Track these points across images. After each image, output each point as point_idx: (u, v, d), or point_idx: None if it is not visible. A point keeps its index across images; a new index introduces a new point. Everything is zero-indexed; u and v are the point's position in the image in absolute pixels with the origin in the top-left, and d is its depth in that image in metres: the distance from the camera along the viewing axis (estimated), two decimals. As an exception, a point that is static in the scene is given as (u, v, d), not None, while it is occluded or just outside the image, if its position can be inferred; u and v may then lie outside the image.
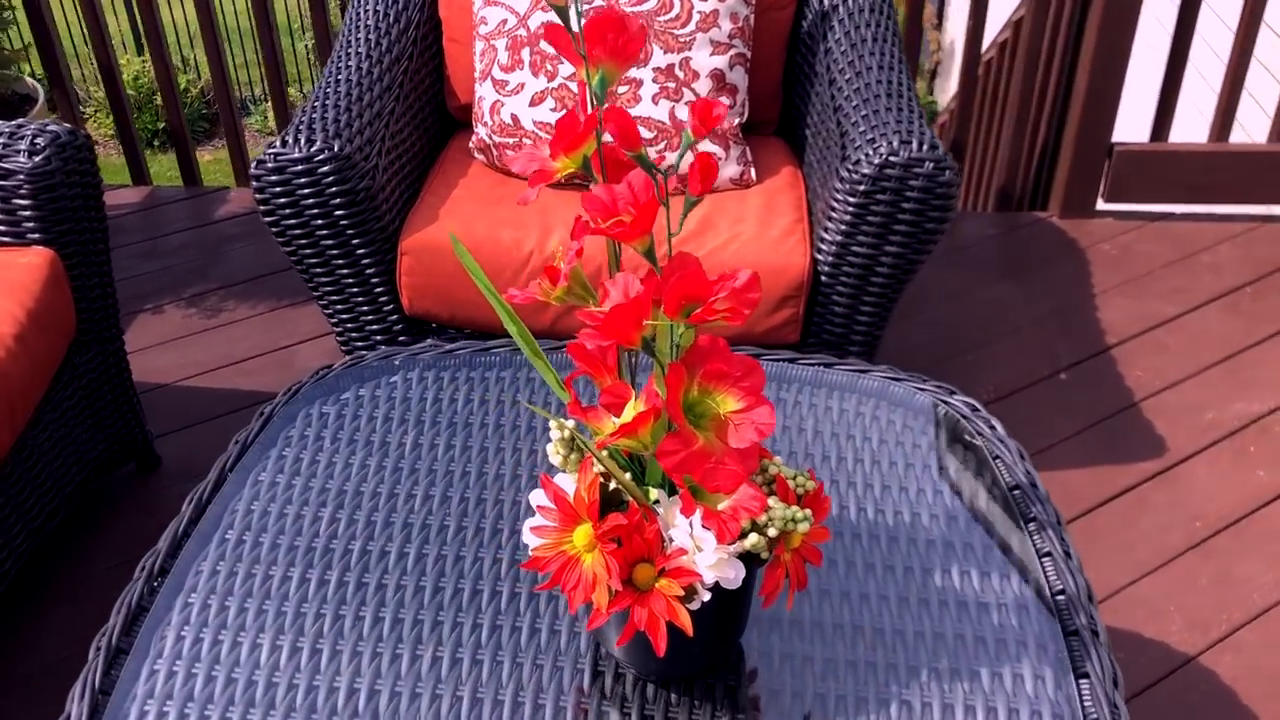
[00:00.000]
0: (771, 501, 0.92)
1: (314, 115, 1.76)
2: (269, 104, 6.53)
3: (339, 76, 1.87)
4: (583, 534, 0.91)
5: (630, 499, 0.91)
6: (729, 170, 1.90)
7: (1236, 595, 1.82)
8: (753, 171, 1.93)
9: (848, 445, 1.28)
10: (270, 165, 1.69)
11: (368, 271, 1.78)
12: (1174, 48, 2.56)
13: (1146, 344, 2.35)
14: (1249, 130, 3.27)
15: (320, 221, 1.72)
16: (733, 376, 0.85)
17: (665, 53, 1.86)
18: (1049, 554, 1.14)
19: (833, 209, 1.73)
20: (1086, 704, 1.00)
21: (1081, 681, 1.02)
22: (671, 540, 0.91)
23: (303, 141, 1.69)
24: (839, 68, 1.90)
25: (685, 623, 0.89)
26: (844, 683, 1.02)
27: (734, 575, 0.91)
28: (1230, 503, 1.98)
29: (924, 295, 2.48)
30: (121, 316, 2.41)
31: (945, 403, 1.33)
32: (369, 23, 1.99)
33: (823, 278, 1.77)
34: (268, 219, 1.73)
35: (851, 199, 1.68)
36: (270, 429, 1.30)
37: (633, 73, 1.86)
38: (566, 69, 1.86)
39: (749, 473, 0.89)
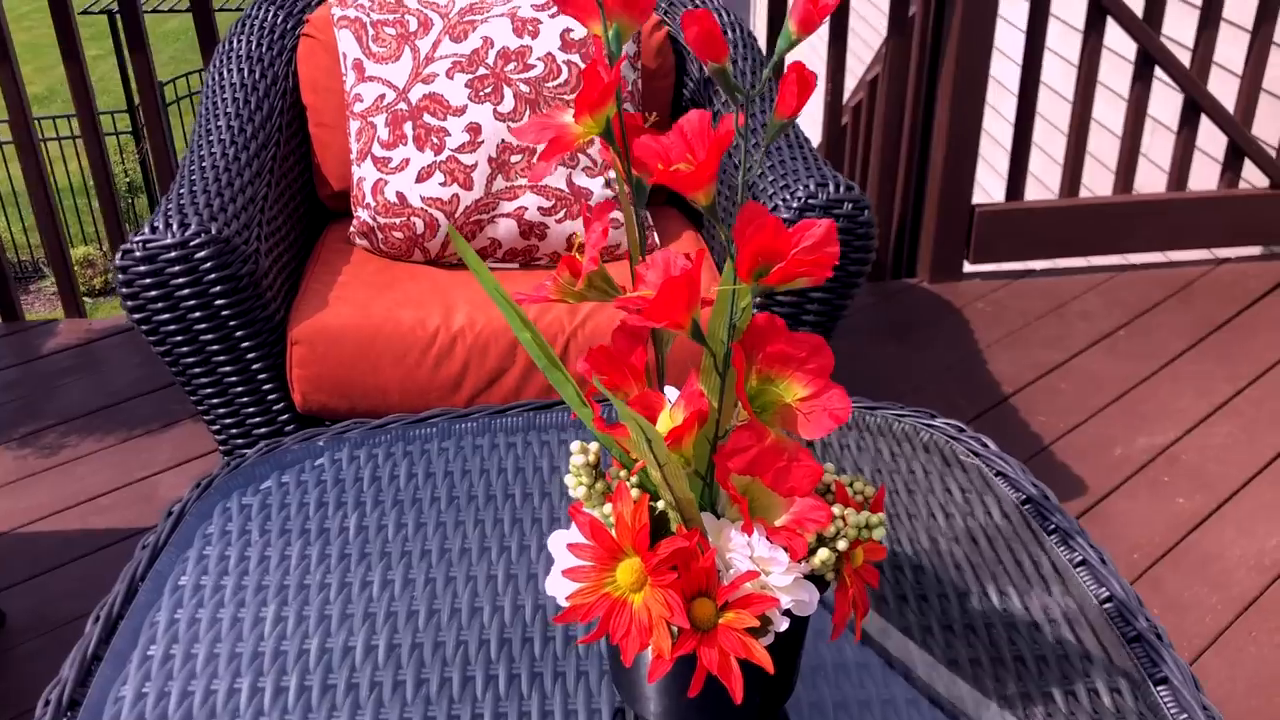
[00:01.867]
0: (837, 509, 0.80)
1: (183, 200, 1.59)
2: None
3: (204, 163, 1.71)
4: (627, 570, 0.76)
5: (677, 525, 0.78)
6: (632, 235, 1.82)
7: (1191, 622, 1.78)
8: (655, 237, 1.86)
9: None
10: (139, 254, 1.51)
11: (254, 367, 1.60)
12: (1019, 113, 2.66)
13: (1041, 391, 2.36)
14: (1093, 188, 3.44)
15: (199, 314, 1.54)
16: (797, 359, 0.74)
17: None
18: (1083, 562, 1.05)
19: (753, 260, 1.65)
20: (1173, 710, 0.91)
21: (1160, 688, 0.93)
22: (730, 568, 0.78)
23: (175, 226, 1.52)
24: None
25: (764, 659, 0.75)
26: (912, 724, 0.90)
27: (809, 599, 0.78)
28: (1159, 532, 1.97)
29: (818, 364, 2.44)
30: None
31: (929, 426, 1.25)
32: (229, 110, 1.84)
33: (749, 332, 1.68)
34: (136, 316, 1.54)
35: (774, 246, 1.62)
36: (183, 529, 1.10)
37: (450, 225, 1.77)
38: (454, 141, 1.75)
39: (809, 489, 0.78)
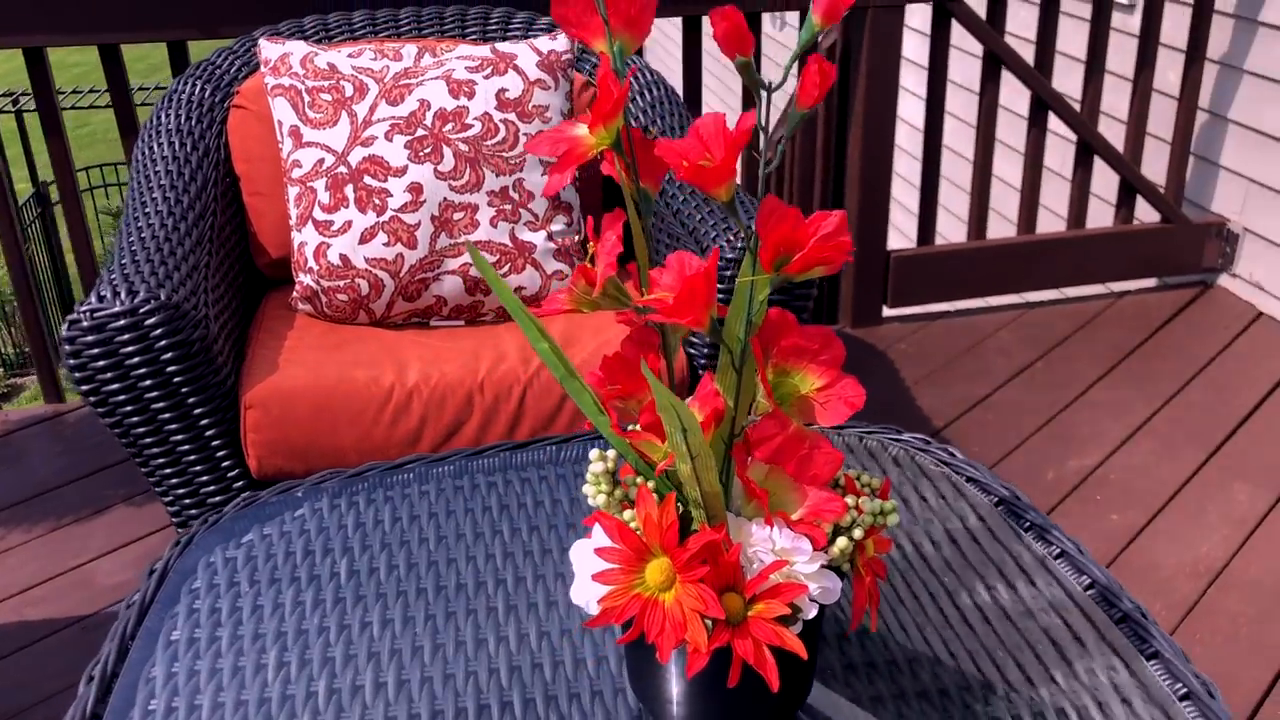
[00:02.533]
0: (850, 500, 0.83)
1: (127, 269, 1.57)
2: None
3: (142, 234, 1.69)
4: (656, 570, 0.78)
5: (700, 524, 0.80)
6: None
7: (1138, 628, 1.84)
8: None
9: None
10: (87, 324, 1.48)
11: (208, 434, 1.57)
12: (925, 160, 2.78)
13: (969, 424, 2.44)
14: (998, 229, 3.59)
15: (150, 382, 1.51)
16: (811, 351, 0.77)
17: (497, 176, 1.80)
18: (1062, 553, 1.10)
19: (700, 301, 1.69)
20: (1166, 681, 0.95)
21: (1152, 662, 0.97)
22: (752, 564, 0.80)
23: (123, 294, 1.50)
24: (697, 218, 1.91)
25: (796, 645, 0.77)
26: (927, 715, 0.92)
27: (832, 586, 0.80)
28: (1098, 548, 2.04)
29: (755, 411, 2.48)
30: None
31: (896, 441, 1.29)
32: (163, 182, 1.83)
33: (700, 363, 1.72)
34: (85, 387, 1.50)
35: (719, 285, 1.66)
36: (167, 586, 1.08)
37: (466, 198, 1.79)
38: (396, 201, 1.76)
39: (825, 481, 0.81)
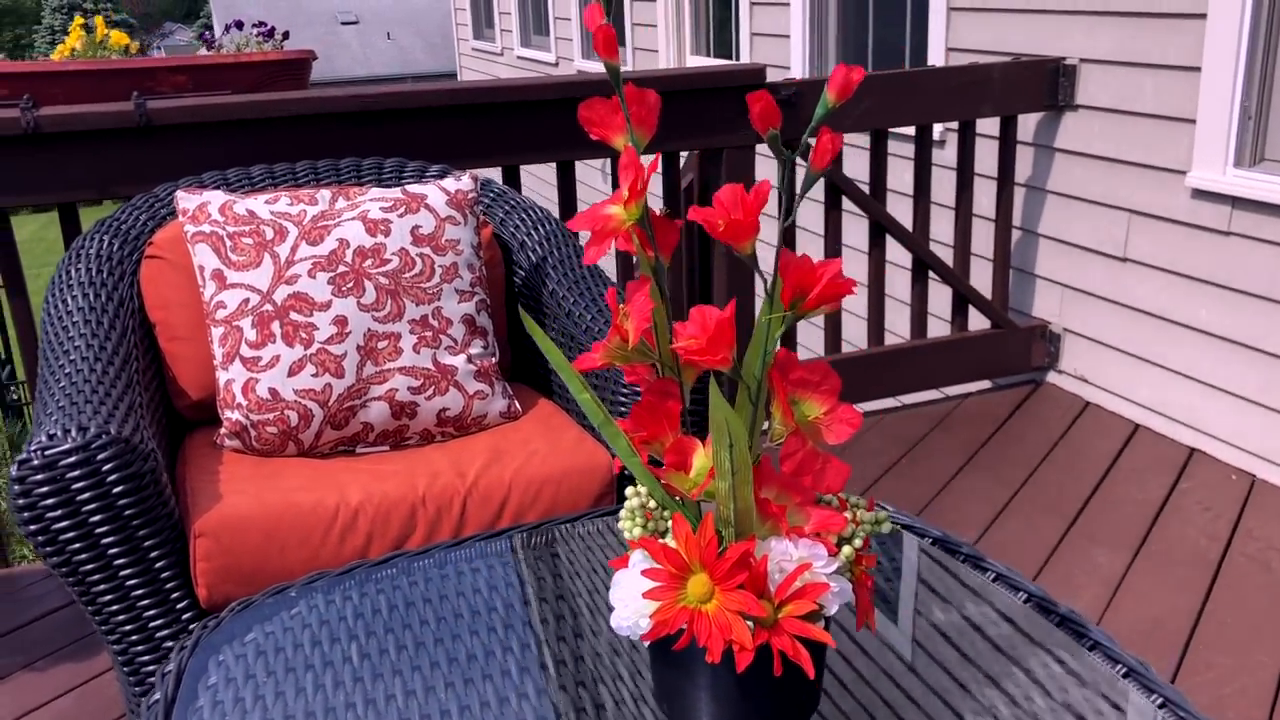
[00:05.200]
0: (848, 514, 0.96)
1: (67, 410, 1.60)
2: None
3: (72, 379, 1.72)
4: (697, 584, 0.89)
5: (729, 543, 0.92)
6: (497, 405, 1.96)
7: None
8: (518, 405, 2.00)
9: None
10: (38, 463, 1.50)
11: (157, 565, 1.59)
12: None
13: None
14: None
15: (100, 516, 1.53)
16: (813, 382, 0.91)
17: (416, 305, 1.92)
18: (998, 576, 1.25)
19: (619, 412, 1.83)
20: (1106, 665, 1.10)
21: (1093, 652, 1.12)
22: (777, 573, 0.92)
23: (74, 431, 1.53)
24: (571, 301, 2.06)
25: (825, 637, 0.89)
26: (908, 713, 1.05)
27: (846, 588, 0.93)
28: (987, 615, 2.21)
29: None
30: None
31: (831, 503, 1.44)
32: (83, 332, 1.86)
33: (627, 472, 1.84)
34: (32, 527, 1.51)
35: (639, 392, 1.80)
36: (185, 685, 1.11)
37: (389, 327, 1.89)
38: (323, 333, 1.85)
39: (813, 499, 0.95)
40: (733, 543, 0.91)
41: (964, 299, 3.20)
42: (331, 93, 2.37)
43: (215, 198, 1.95)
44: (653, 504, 0.97)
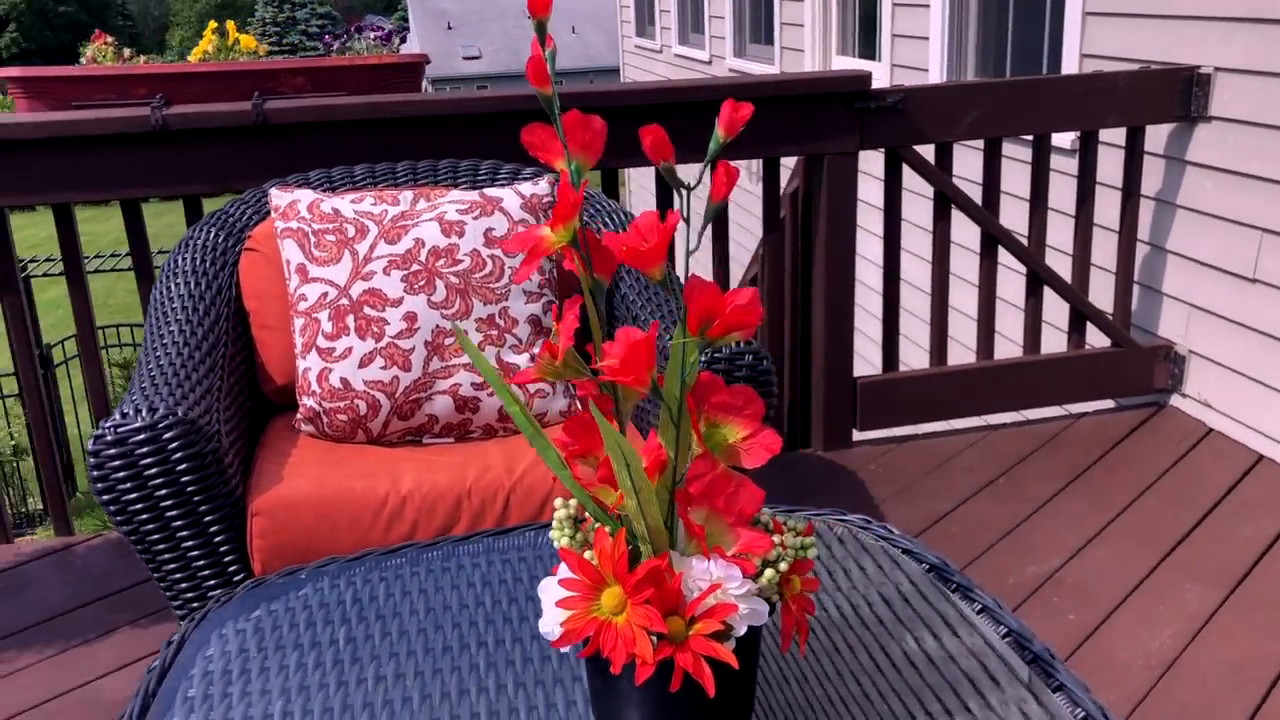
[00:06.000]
0: (776, 538, 0.97)
1: (147, 391, 1.73)
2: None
3: (160, 362, 1.86)
4: (610, 596, 0.92)
5: (648, 558, 0.94)
6: (558, 404, 2.01)
7: (1094, 716, 1.94)
8: (579, 405, 2.05)
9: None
10: (110, 439, 1.63)
11: (216, 540, 1.71)
12: (885, 295, 2.99)
13: (935, 535, 2.57)
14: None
15: (165, 491, 1.66)
16: (736, 406, 0.93)
17: (484, 304, 1.99)
18: (983, 609, 1.23)
19: (669, 412, 1.86)
20: (1069, 708, 1.07)
21: (1058, 694, 1.10)
22: (694, 591, 0.94)
23: (144, 410, 1.66)
24: (638, 305, 2.10)
25: (729, 657, 0.90)
26: (856, 739, 1.04)
27: (760, 609, 0.94)
28: (1056, 645, 2.14)
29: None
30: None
31: (842, 521, 1.43)
32: (179, 318, 2.01)
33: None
34: (105, 497, 1.65)
35: (687, 397, 1.82)
36: (185, 653, 1.21)
37: (457, 325, 1.97)
38: (393, 328, 1.94)
39: (746, 521, 0.96)
40: (650, 559, 0.93)
41: (1082, 315, 3.08)
42: (432, 98, 2.47)
43: (305, 196, 2.07)
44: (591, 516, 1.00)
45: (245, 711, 1.10)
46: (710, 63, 7.36)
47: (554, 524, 0.98)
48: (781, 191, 2.96)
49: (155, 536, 1.68)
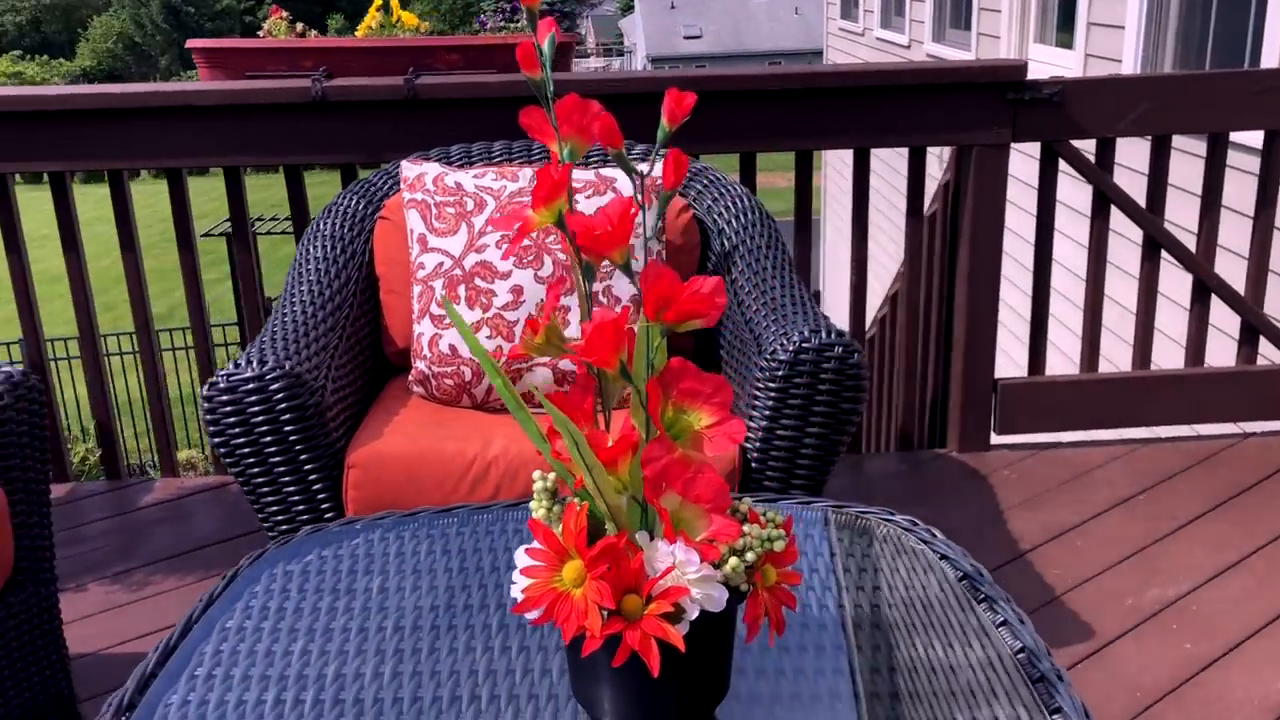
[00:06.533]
0: (747, 528, 0.98)
1: (264, 345, 1.86)
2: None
3: (285, 320, 1.99)
4: (571, 569, 0.95)
5: (613, 532, 0.96)
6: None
7: (1189, 753, 1.83)
8: (677, 386, 2.07)
9: (803, 559, 1.34)
10: (223, 385, 1.77)
11: (314, 487, 1.82)
12: (1035, 292, 2.87)
13: (1058, 548, 2.46)
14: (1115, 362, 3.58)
15: (270, 438, 1.78)
16: (704, 394, 0.94)
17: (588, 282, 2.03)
18: (1004, 622, 1.19)
19: (755, 399, 1.86)
20: (1065, 734, 1.03)
21: (1055, 717, 1.05)
22: (655, 572, 0.96)
23: (255, 362, 1.79)
24: (746, 290, 2.11)
25: (676, 639, 0.92)
26: (831, 737, 1.04)
27: (718, 596, 0.95)
28: (1165, 674, 2.03)
29: (845, 521, 2.58)
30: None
31: (887, 522, 1.41)
32: (311, 279, 2.14)
33: (752, 464, 1.87)
34: (217, 439, 1.79)
35: (772, 385, 1.82)
36: (235, 586, 1.31)
37: (562, 300, 2.02)
38: (500, 300, 2.02)
39: (722, 509, 0.96)
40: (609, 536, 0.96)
41: (1254, 327, 2.87)
42: (571, 78, 2.53)
43: (432, 169, 2.17)
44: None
45: (269, 646, 1.19)
46: (909, 47, 7.17)
47: (534, 495, 1.01)
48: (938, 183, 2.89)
49: (260, 479, 1.81)
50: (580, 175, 2.13)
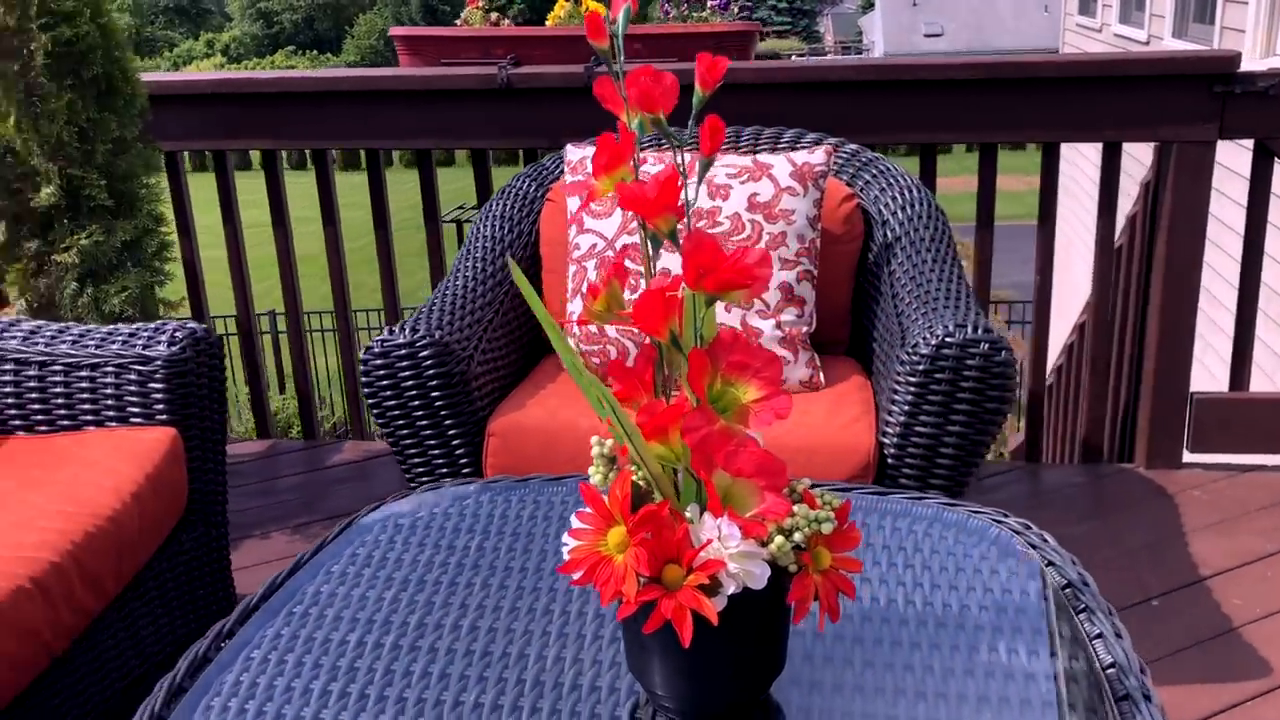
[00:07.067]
0: (798, 509, 0.96)
1: (420, 316, 1.96)
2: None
3: (446, 292, 2.09)
4: (616, 535, 0.96)
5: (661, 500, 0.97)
6: (797, 373, 2.02)
7: (1360, 808, 1.67)
8: (821, 376, 2.04)
9: (900, 554, 1.30)
10: (377, 350, 1.87)
11: (457, 451, 1.90)
12: (1241, 297, 2.66)
13: (1244, 576, 2.28)
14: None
15: (418, 403, 1.87)
16: (753, 368, 0.93)
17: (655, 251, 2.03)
18: (1100, 635, 1.12)
19: (895, 392, 1.81)
20: (1139, 755, 0.97)
21: (1133, 736, 0.99)
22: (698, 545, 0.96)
23: (408, 331, 1.88)
24: (901, 283, 2.05)
25: (710, 611, 0.91)
26: (883, 731, 1.01)
27: (759, 573, 0.94)
28: (1345, 722, 1.85)
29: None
30: (230, 540, 2.55)
31: (999, 524, 1.35)
32: (478, 256, 2.23)
33: (888, 460, 1.82)
34: (370, 401, 1.89)
35: (912, 379, 1.77)
36: (348, 533, 1.39)
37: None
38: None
39: (777, 488, 0.95)
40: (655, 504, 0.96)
41: None
42: (750, 65, 2.53)
43: (591, 153, 2.21)
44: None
45: (364, 591, 1.26)
46: (1148, 43, 6.74)
47: (593, 461, 1.03)
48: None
49: (407, 440, 1.90)
50: (736, 161, 2.13)
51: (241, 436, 3.24)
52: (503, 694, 1.08)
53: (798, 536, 0.95)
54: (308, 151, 2.84)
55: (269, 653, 1.15)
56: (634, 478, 1.01)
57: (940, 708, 1.04)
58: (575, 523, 0.99)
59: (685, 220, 0.97)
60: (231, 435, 3.00)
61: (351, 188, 3.37)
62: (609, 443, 1.02)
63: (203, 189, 2.95)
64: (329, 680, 1.11)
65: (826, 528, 0.95)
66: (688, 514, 0.98)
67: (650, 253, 1.00)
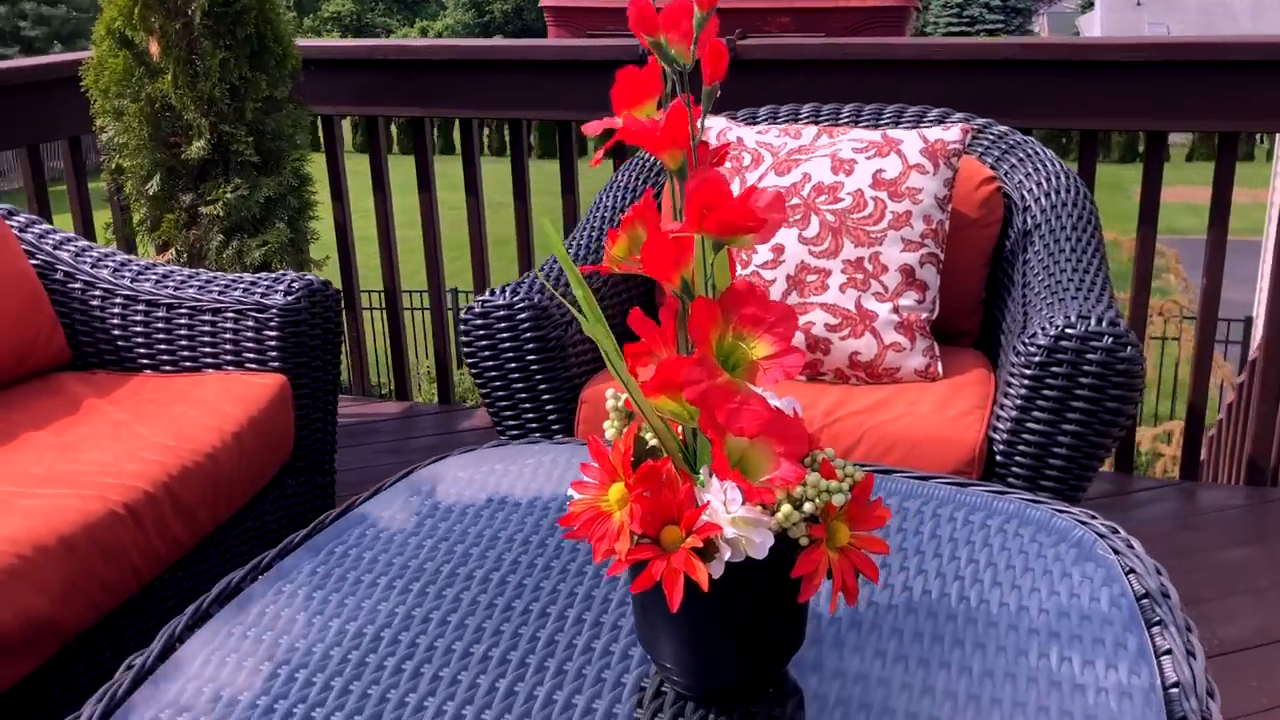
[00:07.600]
0: (811, 478, 0.89)
1: (524, 280, 1.95)
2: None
3: (555, 260, 2.07)
4: (617, 490, 0.91)
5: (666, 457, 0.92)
6: (913, 361, 1.91)
7: None
8: (939, 366, 1.93)
9: (965, 549, 1.20)
10: (477, 310, 1.87)
11: (549, 414, 1.89)
12: None
13: None
14: None
15: (513, 365, 1.87)
16: (767, 322, 0.86)
17: (855, 246, 1.94)
18: (1169, 651, 1.01)
19: (1009, 385, 1.69)
20: (1184, 785, 0.86)
21: (1181, 760, 0.88)
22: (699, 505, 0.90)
23: (508, 294, 1.87)
24: (1034, 272, 1.92)
25: (701, 576, 0.86)
26: (899, 728, 0.93)
27: (760, 541, 0.87)
28: None
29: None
30: (356, 493, 2.62)
31: (1084, 524, 1.23)
32: (595, 223, 2.21)
33: (997, 456, 1.70)
34: (470, 361, 1.89)
35: (1026, 371, 1.65)
36: (408, 481, 1.39)
37: (822, 263, 1.95)
38: (759, 258, 1.97)
39: (795, 456, 0.89)
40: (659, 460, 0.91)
41: None
42: (894, 41, 2.41)
43: (717, 124, 2.16)
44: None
45: (405, 538, 1.25)
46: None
47: (607, 421, 0.99)
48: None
49: (502, 400, 1.90)
50: (863, 135, 2.04)
51: (383, 398, 3.33)
52: (513, 649, 1.05)
53: (808, 507, 0.88)
54: (456, 124, 2.88)
55: (299, 588, 1.16)
56: (649, 436, 0.96)
57: (968, 711, 0.95)
58: (582, 476, 0.95)
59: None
60: (370, 395, 3.09)
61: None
62: (624, 396, 0.98)
63: (400, 171, 2.97)
64: (349, 619, 1.10)
65: (838, 499, 0.88)
66: (701, 476, 0.92)
67: (676, 188, 0.94)
